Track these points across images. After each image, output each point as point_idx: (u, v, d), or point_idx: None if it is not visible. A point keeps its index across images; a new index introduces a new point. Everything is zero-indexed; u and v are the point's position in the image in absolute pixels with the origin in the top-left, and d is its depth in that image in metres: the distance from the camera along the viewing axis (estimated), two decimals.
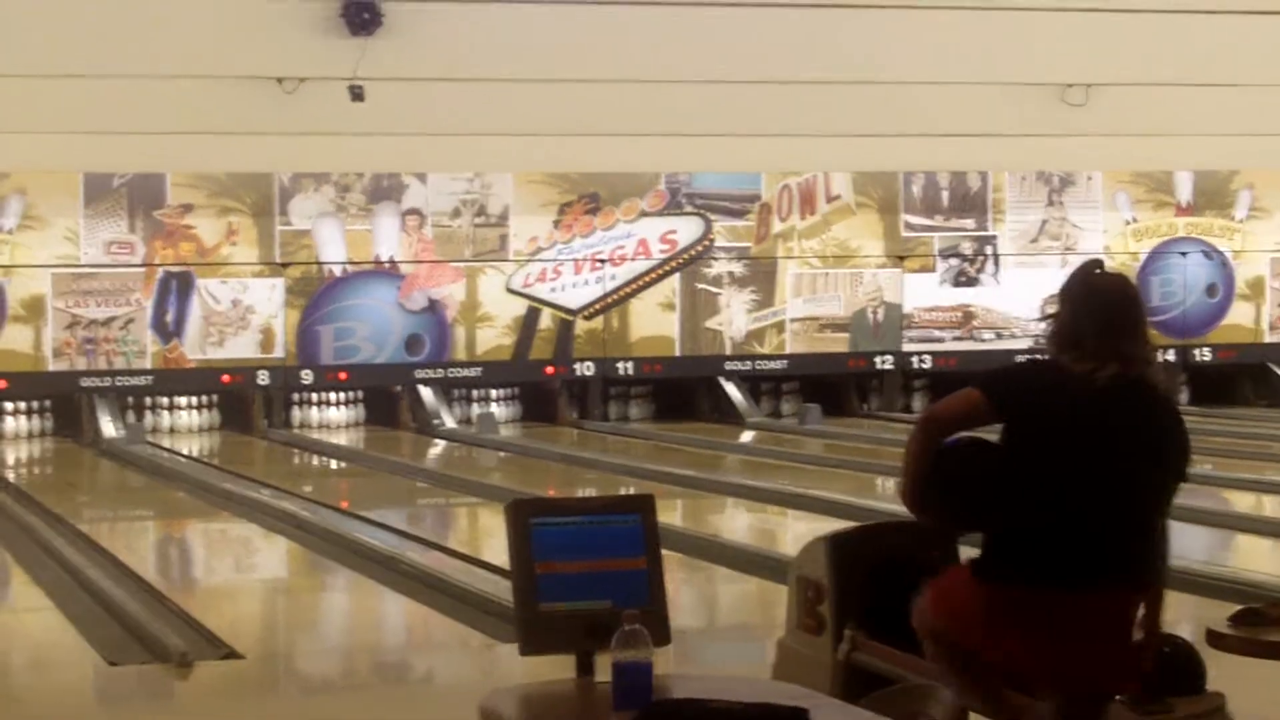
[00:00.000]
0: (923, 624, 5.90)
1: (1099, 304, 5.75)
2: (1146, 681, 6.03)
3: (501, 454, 24.05)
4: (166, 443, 25.12)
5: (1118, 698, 6.02)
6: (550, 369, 27.07)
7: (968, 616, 5.76)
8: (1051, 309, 5.90)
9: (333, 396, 26.77)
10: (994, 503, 5.70)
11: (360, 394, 27.03)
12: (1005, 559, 5.73)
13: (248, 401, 26.33)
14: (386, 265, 26.63)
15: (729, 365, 27.46)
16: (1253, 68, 20.64)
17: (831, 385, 27.83)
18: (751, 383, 27.62)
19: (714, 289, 27.53)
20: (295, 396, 26.54)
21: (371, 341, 26.56)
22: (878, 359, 27.85)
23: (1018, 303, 28.22)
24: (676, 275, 27.44)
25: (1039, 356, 5.90)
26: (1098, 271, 5.93)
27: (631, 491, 17.06)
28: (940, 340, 28.08)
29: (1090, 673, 5.69)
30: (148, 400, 26.13)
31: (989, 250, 28.35)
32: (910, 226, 28.11)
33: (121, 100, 21.12)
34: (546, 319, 27.06)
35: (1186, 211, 29.11)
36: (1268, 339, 29.33)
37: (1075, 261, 27.51)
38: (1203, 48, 19.72)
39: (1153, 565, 5.78)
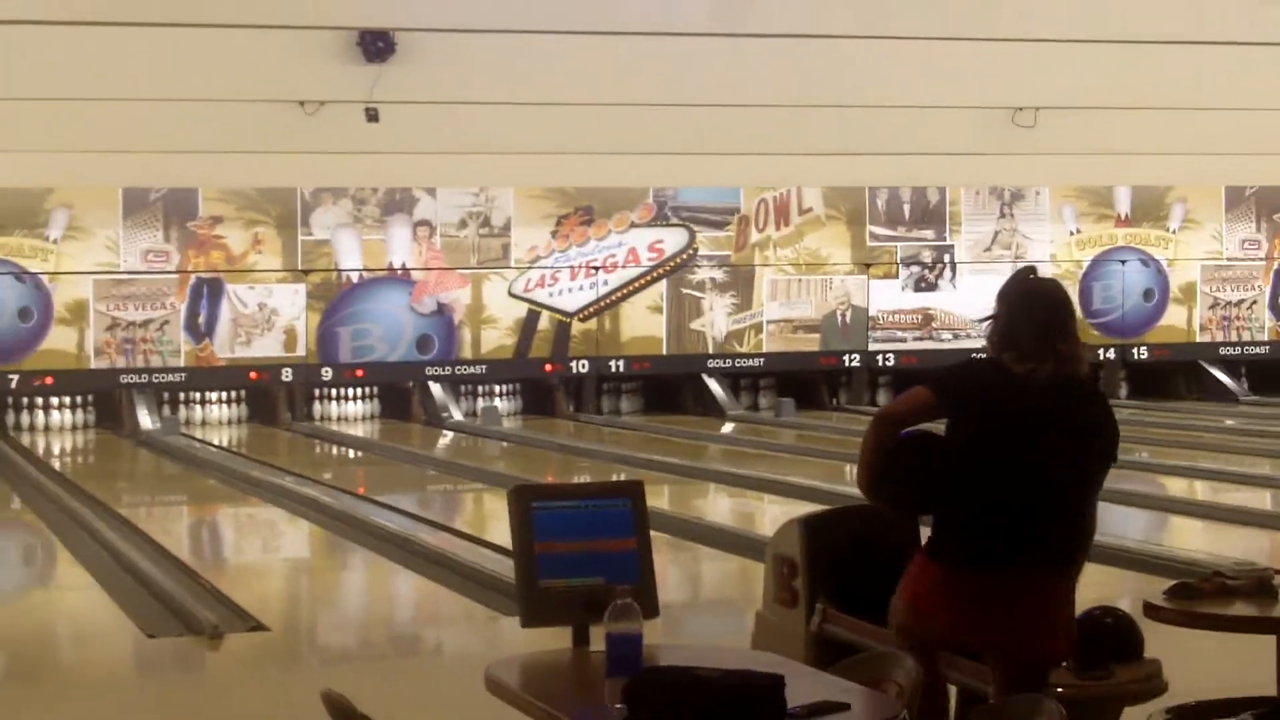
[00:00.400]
0: (894, 619, 5.92)
1: (1034, 308, 5.76)
2: (1087, 649, 6.06)
3: (504, 444, 24.03)
4: (199, 434, 25.10)
5: (1064, 664, 6.04)
6: (549, 366, 27.06)
7: (924, 595, 5.79)
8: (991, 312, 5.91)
9: (350, 392, 26.74)
10: (940, 490, 5.73)
11: (375, 389, 27.00)
12: (952, 541, 5.75)
13: (273, 396, 26.30)
14: (399, 272, 26.61)
15: (711, 363, 27.45)
16: (1185, 94, 20.63)
17: (804, 381, 27.83)
18: (732, 379, 27.62)
19: (697, 293, 27.51)
20: (316, 392, 26.51)
21: (385, 341, 26.53)
22: (846, 357, 27.84)
23: (973, 306, 28.19)
24: (663, 281, 27.42)
25: (982, 356, 5.90)
26: (1032, 277, 5.96)
27: (623, 478, 17.05)
28: (903, 340, 28.07)
29: (1030, 642, 5.70)
30: (181, 395, 26.10)
31: (947, 258, 28.34)
32: (875, 237, 28.11)
33: (157, 122, 21.08)
34: (545, 321, 27.04)
35: (1125, 223, 29.11)
36: (1199, 339, 29.34)
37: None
38: (1140, 75, 19.71)
39: (1083, 544, 5.81)
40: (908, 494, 5.86)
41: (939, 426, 5.79)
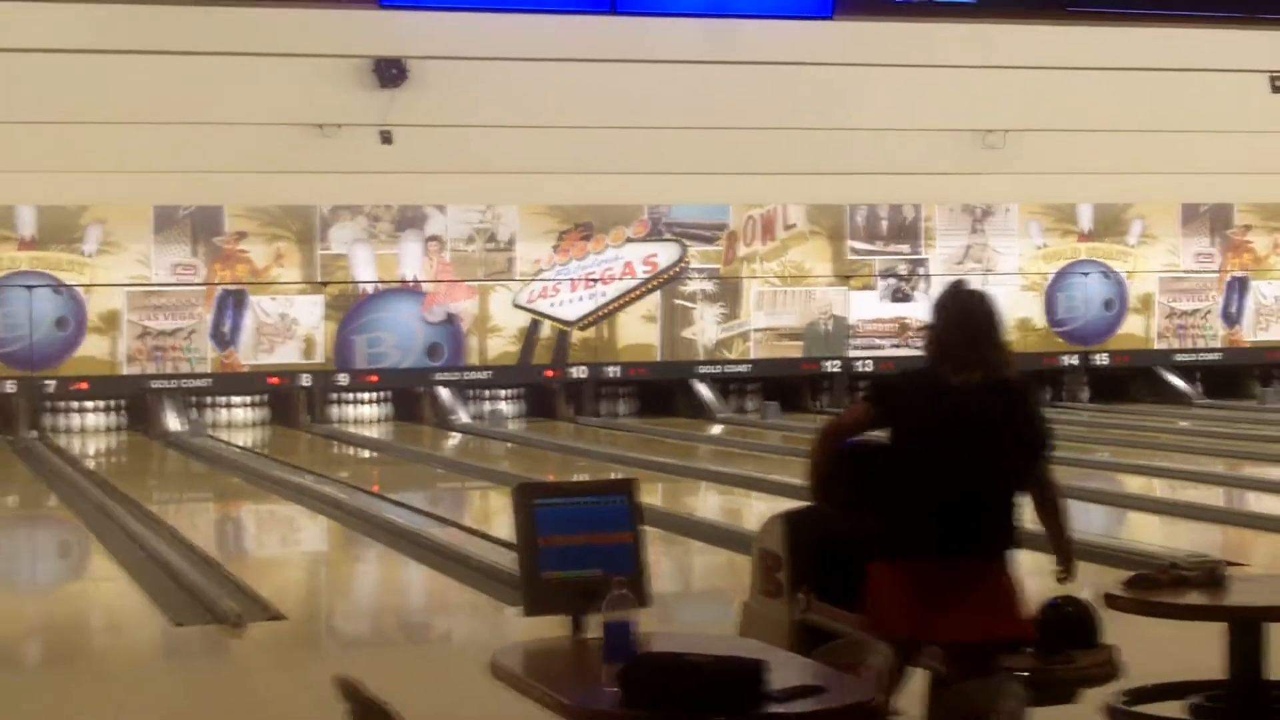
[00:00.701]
0: (863, 625, 5.96)
1: (965, 319, 5.84)
2: (1049, 635, 6.07)
3: (508, 445, 24.02)
4: (224, 436, 25.07)
5: (1024, 648, 6.05)
6: (550, 372, 27.04)
7: (878, 595, 5.87)
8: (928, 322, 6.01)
9: (365, 396, 26.70)
10: (882, 492, 5.84)
11: (388, 394, 26.98)
12: (895, 539, 5.84)
13: (293, 400, 26.27)
14: (411, 284, 26.59)
15: (701, 369, 27.44)
16: (1144, 117, 20.68)
17: (789, 386, 27.81)
18: (721, 384, 27.59)
19: (689, 304, 27.50)
20: (333, 396, 26.48)
21: (398, 349, 26.51)
22: (827, 363, 27.82)
23: None
24: (657, 292, 27.40)
25: (918, 366, 5.98)
26: (963, 290, 6.02)
27: (619, 477, 17.07)
28: (880, 347, 28.05)
29: (976, 628, 5.75)
30: (208, 399, 26.08)
31: (921, 271, 28.33)
32: (855, 251, 28.10)
33: (186, 144, 21.11)
34: (547, 329, 27.02)
35: (1088, 238, 29.11)
36: (1156, 346, 29.33)
37: (995, 280, 27.77)
38: (1102, 100, 19.75)
39: (1014, 534, 5.89)
40: (853, 497, 5.96)
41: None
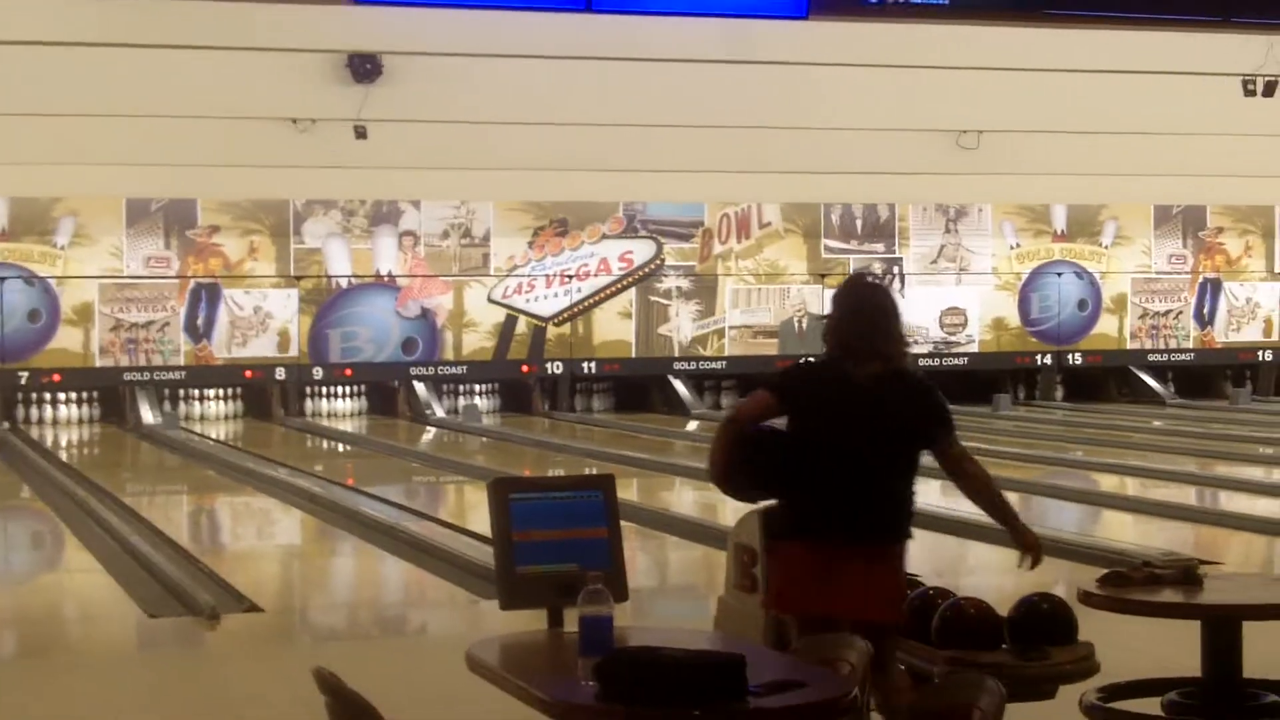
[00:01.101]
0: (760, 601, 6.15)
1: (862, 310, 5.96)
2: (1026, 632, 6.06)
3: (484, 439, 24.00)
4: (198, 428, 25.04)
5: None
6: (525, 367, 27.04)
7: (774, 574, 6.07)
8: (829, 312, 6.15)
9: (340, 390, 26.70)
10: (781, 478, 5.94)
11: (363, 388, 26.97)
12: (793, 522, 5.98)
13: (267, 393, 26.25)
14: (385, 279, 26.57)
15: (677, 365, 27.46)
16: (1117, 119, 20.72)
17: (763, 383, 27.79)
18: (696, 380, 27.62)
19: (664, 301, 27.52)
20: (308, 389, 26.46)
21: (373, 343, 26.49)
22: (802, 360, 27.79)
23: (920, 314, 28.28)
24: (633, 289, 27.42)
25: (819, 356, 6.11)
26: (862, 282, 6.23)
27: (595, 472, 17.05)
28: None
29: (866, 608, 5.85)
30: (181, 392, 26.03)
31: (896, 270, 28.37)
32: (830, 249, 28.13)
33: (159, 137, 21.04)
34: (522, 325, 27.02)
35: (1061, 239, 29.17)
36: (1129, 346, 29.42)
37: (969, 281, 27.78)
38: (1075, 101, 19.78)
39: (908, 521, 6.00)
40: (753, 483, 6.05)
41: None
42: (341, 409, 26.63)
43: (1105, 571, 6.63)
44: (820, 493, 5.88)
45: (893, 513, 5.94)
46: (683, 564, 12.89)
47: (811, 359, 6.22)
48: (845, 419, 5.86)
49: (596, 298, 27.22)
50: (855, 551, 5.85)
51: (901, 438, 5.92)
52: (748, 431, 6.03)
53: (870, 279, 6.23)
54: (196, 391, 26.16)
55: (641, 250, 27.38)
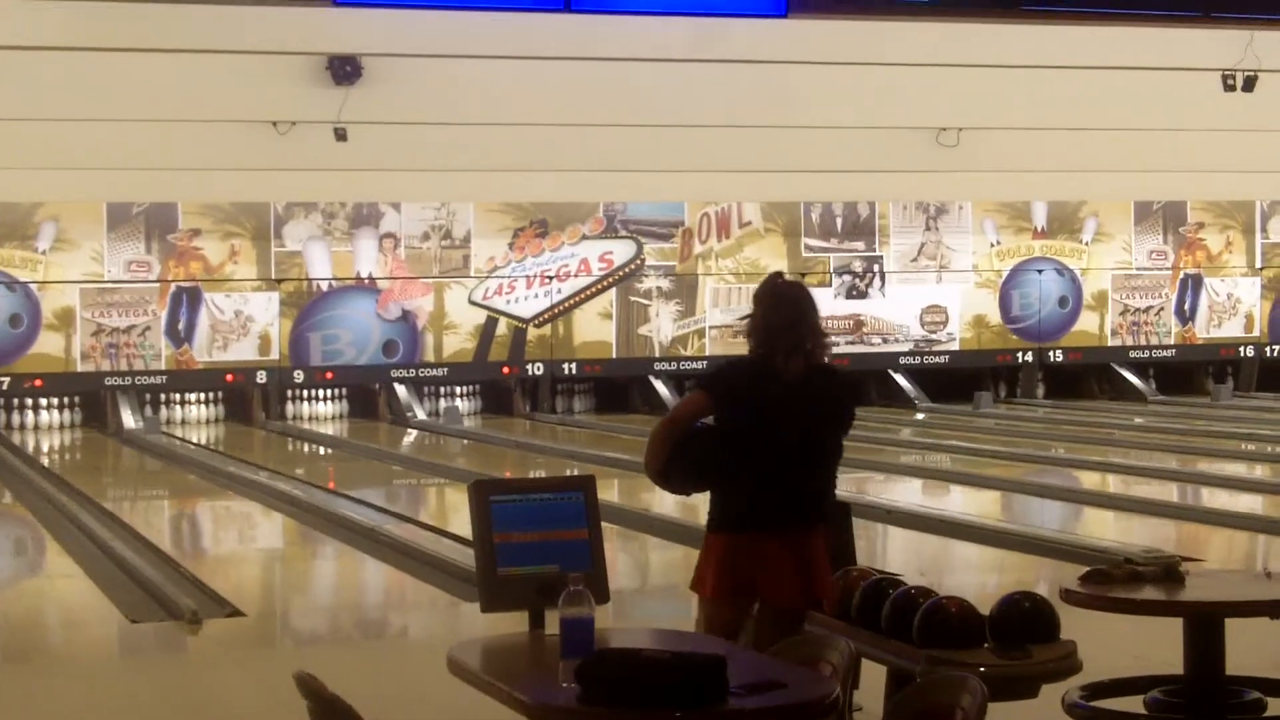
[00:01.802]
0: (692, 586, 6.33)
1: (783, 308, 6.24)
2: (1007, 631, 6.05)
3: (465, 441, 23.99)
4: (179, 433, 25.01)
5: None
6: (506, 369, 27.03)
7: (703, 559, 6.24)
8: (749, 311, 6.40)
9: (321, 393, 26.66)
10: (711, 471, 6.21)
11: (344, 391, 26.93)
12: (720, 512, 6.23)
13: (248, 397, 26.22)
14: (366, 281, 26.55)
15: (658, 365, 27.46)
16: (1097, 115, 20.73)
17: None
18: (677, 380, 27.59)
19: (645, 301, 27.52)
20: (289, 393, 26.42)
21: (354, 346, 26.47)
22: (731, 359, 27.78)
23: (901, 312, 28.33)
24: (613, 289, 27.42)
25: (746, 355, 6.32)
26: (781, 282, 6.39)
27: (576, 473, 17.05)
28: (836, 344, 28.07)
29: (789, 592, 6.15)
30: (163, 396, 25.99)
31: (876, 268, 28.39)
32: (810, 248, 28.15)
33: (139, 141, 21.00)
34: (503, 326, 27.01)
35: (1042, 236, 29.21)
36: (1110, 343, 29.46)
37: (950, 278, 27.79)
38: (1055, 97, 19.79)
39: (822, 508, 6.28)
40: (688, 477, 6.33)
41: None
42: (323, 412, 26.60)
43: (1087, 569, 6.63)
44: (752, 485, 6.12)
45: (817, 501, 6.24)
46: (664, 565, 12.89)
47: (740, 357, 6.41)
48: (774, 414, 6.11)
49: (577, 298, 27.22)
50: (785, 539, 6.13)
51: (827, 429, 6.23)
52: (686, 428, 6.29)
53: (788, 278, 6.36)
54: (178, 396, 26.12)
55: (621, 250, 27.38)
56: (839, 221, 28.27)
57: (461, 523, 12.17)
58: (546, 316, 27.12)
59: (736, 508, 6.18)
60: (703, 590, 6.23)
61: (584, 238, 27.23)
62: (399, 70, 18.41)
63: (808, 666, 4.95)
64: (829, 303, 28.05)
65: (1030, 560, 12.10)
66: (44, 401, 25.56)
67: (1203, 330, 29.89)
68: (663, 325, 27.43)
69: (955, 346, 28.68)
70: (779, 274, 6.49)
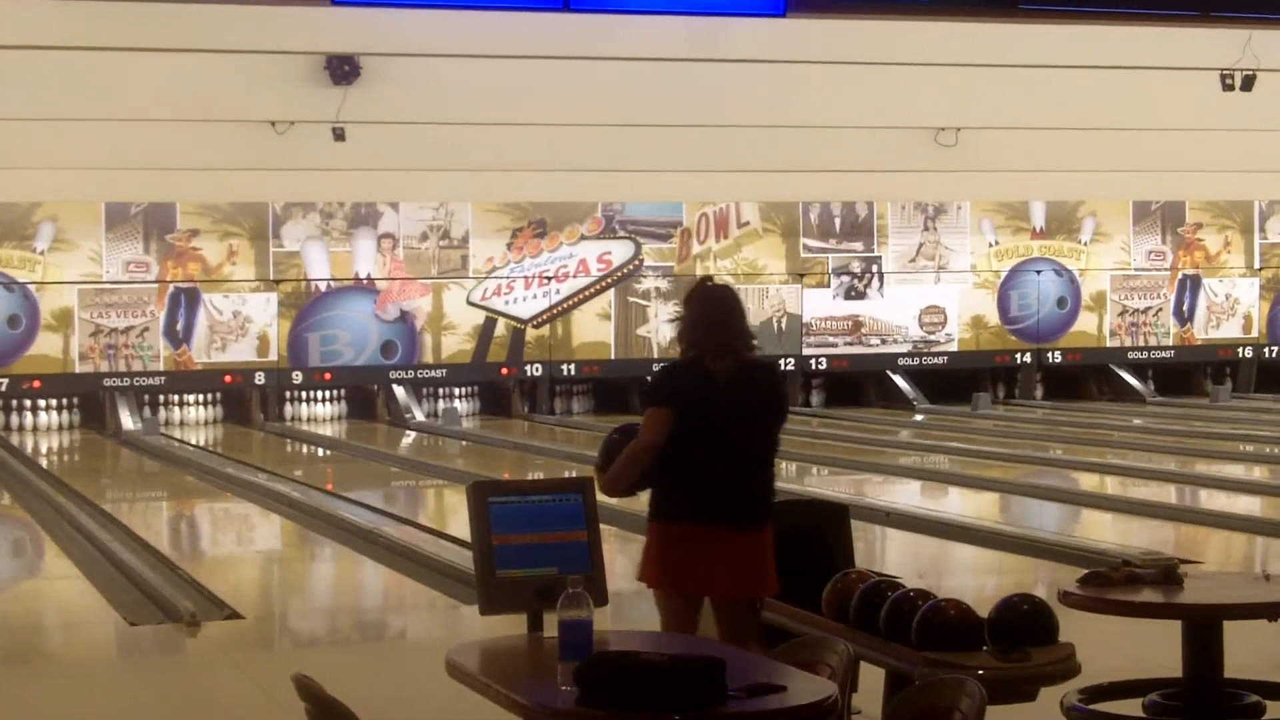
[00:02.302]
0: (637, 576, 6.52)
1: (710, 310, 6.44)
2: (1005, 633, 6.06)
3: (463, 443, 23.99)
4: (177, 434, 25.00)
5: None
6: (505, 370, 27.03)
7: (648, 551, 6.42)
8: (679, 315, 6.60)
9: (319, 394, 26.65)
10: (657, 469, 6.38)
11: (343, 392, 26.93)
12: (663, 505, 6.42)
13: (247, 398, 26.21)
14: (364, 282, 26.55)
15: (656, 366, 27.44)
16: (1096, 115, 20.73)
17: None
18: None
19: (643, 301, 27.52)
20: (287, 394, 26.41)
21: (352, 347, 26.46)
22: (781, 361, 27.85)
23: (899, 313, 28.33)
24: (611, 290, 27.42)
25: (680, 359, 6.52)
26: (708, 285, 6.56)
27: (574, 475, 17.05)
28: (834, 345, 28.11)
29: (732, 583, 6.35)
30: (161, 397, 25.99)
31: (875, 269, 28.40)
32: (808, 248, 28.15)
33: (137, 141, 21.00)
34: (501, 327, 27.01)
35: (1040, 236, 29.21)
36: (1109, 344, 29.46)
37: (947, 278, 27.80)
38: (1053, 97, 19.79)
39: (768, 502, 6.48)
40: (637, 481, 6.50)
41: None
42: (321, 413, 26.59)
43: (1085, 571, 6.63)
44: (691, 481, 6.32)
45: (759, 495, 6.42)
46: None
47: (673, 361, 6.62)
48: (710, 412, 6.32)
49: (575, 299, 27.22)
50: (725, 533, 6.30)
51: (760, 425, 6.45)
52: (618, 431, 6.63)
53: (716, 281, 6.57)
54: (176, 397, 26.12)
55: (620, 251, 27.39)
56: (837, 222, 28.27)
57: (460, 524, 12.18)
58: (545, 317, 27.13)
59: (675, 499, 6.36)
60: (646, 580, 6.42)
61: (582, 238, 27.23)
62: (397, 70, 18.41)
63: (806, 669, 4.95)
64: (827, 303, 28.07)
65: (1029, 562, 12.11)
66: (42, 402, 25.55)
67: (1201, 331, 29.90)
68: (661, 326, 27.42)
69: (954, 347, 28.68)
70: (708, 278, 6.82)
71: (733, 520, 6.31)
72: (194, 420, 26.12)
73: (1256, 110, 18.64)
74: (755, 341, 6.55)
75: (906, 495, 17.17)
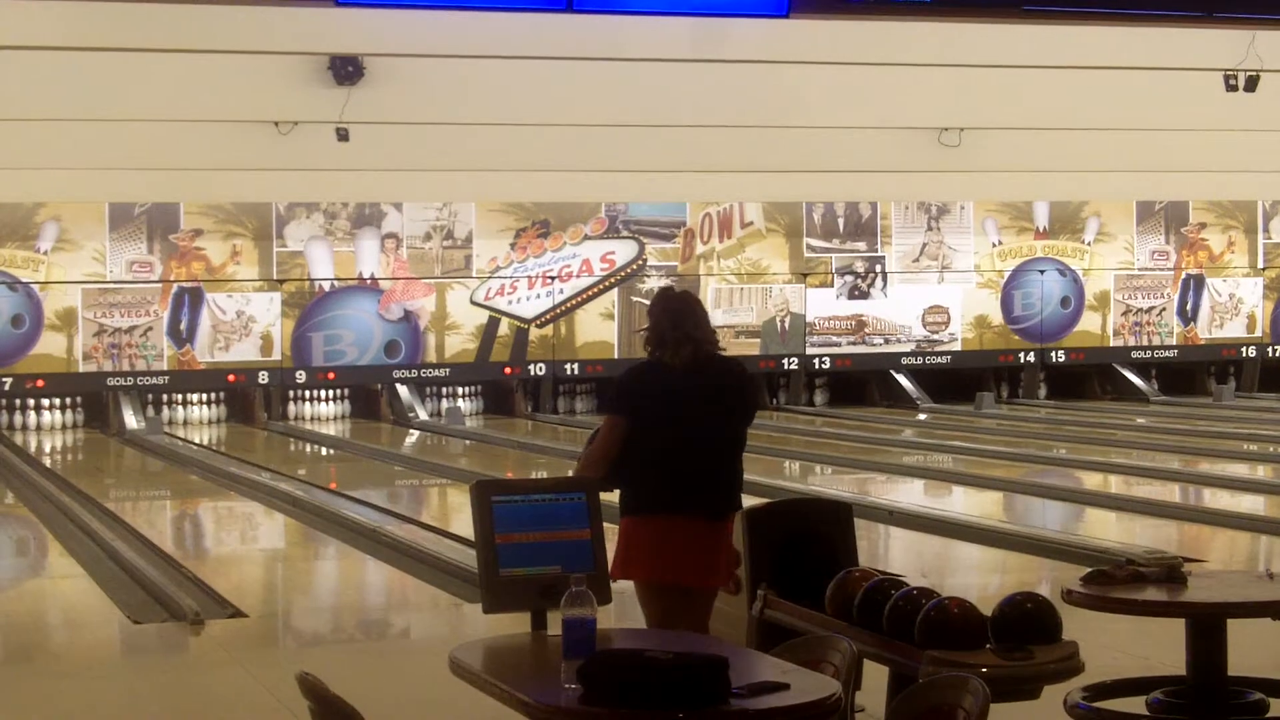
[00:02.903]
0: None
1: (670, 309, 6.67)
2: (1009, 632, 6.05)
3: (467, 442, 23.99)
4: (181, 433, 25.01)
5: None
6: (508, 369, 27.03)
7: (620, 544, 6.50)
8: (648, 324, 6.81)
9: (323, 393, 26.67)
10: (623, 464, 6.53)
11: (346, 391, 26.93)
12: (627, 498, 6.55)
13: (250, 398, 26.22)
14: (368, 281, 26.55)
15: None
16: (1098, 114, 20.73)
17: None
18: None
19: (646, 302, 27.48)
20: (291, 393, 26.43)
21: (355, 346, 26.47)
22: (785, 361, 27.87)
23: (903, 312, 28.33)
24: (615, 290, 27.41)
25: (642, 360, 6.75)
26: (667, 291, 6.84)
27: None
28: (838, 345, 28.11)
29: (698, 573, 6.50)
30: (164, 397, 26.00)
31: (878, 268, 28.39)
32: (812, 248, 28.15)
33: (141, 141, 21.01)
34: (505, 327, 27.01)
35: (1044, 236, 29.21)
36: (1112, 343, 29.46)
37: (951, 278, 27.77)
38: (1057, 97, 19.79)
39: (734, 494, 6.67)
40: (606, 478, 6.57)
41: None
42: (324, 412, 26.60)
43: (1089, 570, 6.63)
44: (655, 470, 6.49)
45: (726, 484, 6.60)
46: None
47: (635, 365, 6.81)
48: (670, 402, 6.53)
49: (579, 299, 27.22)
50: (695, 523, 6.46)
51: (719, 414, 6.58)
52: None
53: (677, 289, 6.82)
54: (179, 396, 26.13)
55: (624, 251, 27.38)
56: (841, 222, 28.27)
57: (463, 523, 12.18)
58: (549, 317, 27.13)
59: (641, 492, 6.49)
60: (622, 573, 6.46)
61: (586, 238, 27.23)
62: (401, 70, 18.42)
63: (810, 667, 4.95)
64: (831, 303, 28.07)
65: (1032, 561, 12.10)
66: (46, 402, 25.58)
67: (1205, 331, 29.89)
68: None
69: (957, 347, 28.68)
70: (669, 286, 6.92)
71: (701, 510, 6.47)
72: (197, 420, 26.13)
73: (1260, 110, 18.64)
74: (717, 338, 6.70)
75: (910, 494, 17.17)
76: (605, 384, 27.54)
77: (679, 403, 6.52)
